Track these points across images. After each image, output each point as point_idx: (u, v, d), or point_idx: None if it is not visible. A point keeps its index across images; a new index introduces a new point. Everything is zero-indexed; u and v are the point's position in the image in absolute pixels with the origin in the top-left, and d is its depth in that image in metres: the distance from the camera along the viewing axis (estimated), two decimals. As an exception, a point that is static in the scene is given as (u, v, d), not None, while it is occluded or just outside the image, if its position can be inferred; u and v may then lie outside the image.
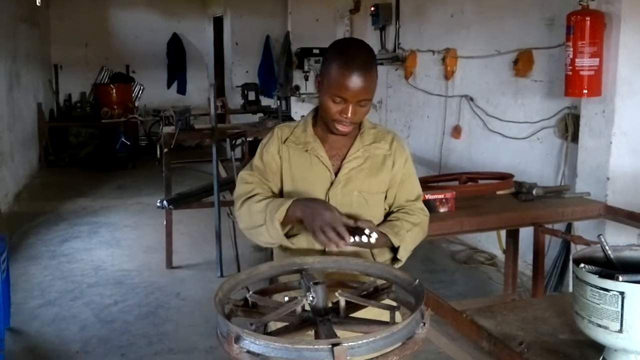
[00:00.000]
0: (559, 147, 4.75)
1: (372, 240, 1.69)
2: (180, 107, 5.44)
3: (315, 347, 1.30)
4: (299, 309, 1.51)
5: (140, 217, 6.85)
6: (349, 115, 1.78)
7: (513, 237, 3.56)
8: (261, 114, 6.63)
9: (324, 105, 1.81)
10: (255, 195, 1.88)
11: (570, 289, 3.42)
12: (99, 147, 10.06)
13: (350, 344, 1.29)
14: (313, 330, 1.51)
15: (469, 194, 3.14)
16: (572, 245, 4.05)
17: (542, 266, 2.89)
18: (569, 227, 4.13)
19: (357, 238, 1.69)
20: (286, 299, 1.53)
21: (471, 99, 5.76)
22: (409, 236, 1.85)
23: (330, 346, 1.28)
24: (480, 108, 5.64)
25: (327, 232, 1.67)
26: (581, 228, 3.67)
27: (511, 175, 3.31)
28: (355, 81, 1.74)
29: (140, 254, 5.70)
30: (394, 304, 1.57)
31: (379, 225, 1.84)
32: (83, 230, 6.40)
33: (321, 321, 1.50)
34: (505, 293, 3.77)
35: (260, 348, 1.33)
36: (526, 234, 3.42)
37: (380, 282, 1.69)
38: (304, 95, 8.00)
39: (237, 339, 1.36)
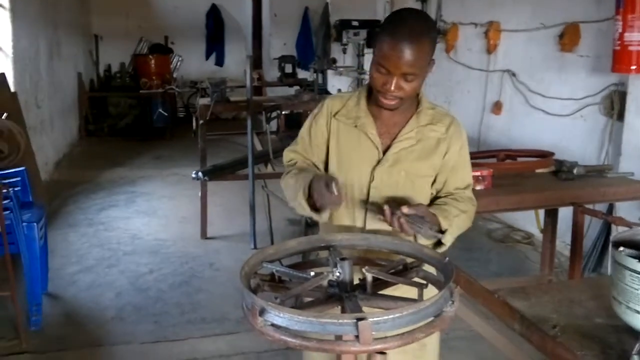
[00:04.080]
0: (603, 125, 4.58)
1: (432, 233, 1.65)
2: (216, 79, 5.41)
3: (340, 321, 1.27)
4: (325, 283, 1.49)
5: (176, 188, 6.92)
6: (392, 87, 1.69)
7: (551, 216, 3.46)
8: (297, 87, 6.57)
9: (371, 75, 1.75)
10: (290, 170, 1.88)
11: (609, 271, 3.33)
12: (137, 118, 10.16)
13: (375, 319, 1.26)
14: (339, 306, 1.49)
15: (507, 172, 3.05)
16: (613, 226, 3.93)
17: (580, 247, 2.80)
18: (611, 208, 4.01)
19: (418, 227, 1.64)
20: (312, 273, 1.50)
21: (513, 74, 5.60)
22: (456, 222, 1.78)
23: (355, 320, 1.26)
24: (523, 83, 5.48)
25: (319, 190, 1.67)
26: (623, 209, 3.55)
27: (551, 153, 3.20)
28: (399, 51, 1.64)
29: (175, 224, 5.76)
30: (423, 282, 1.53)
31: None
32: (120, 199, 6.49)
33: (347, 297, 1.47)
34: (542, 273, 3.68)
35: (284, 321, 1.31)
36: (565, 214, 3.32)
37: (409, 260, 1.65)
38: (341, 69, 7.91)
39: (262, 312, 1.34)
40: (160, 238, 5.37)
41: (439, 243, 1.77)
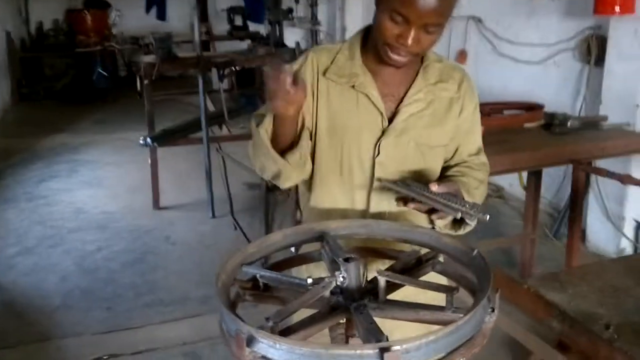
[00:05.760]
0: (579, 72, 4.35)
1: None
2: (161, 33, 4.91)
3: (359, 352, 0.95)
4: (327, 293, 1.15)
5: (123, 154, 6.43)
6: (409, 41, 1.32)
7: (535, 173, 3.20)
8: (249, 41, 6.11)
9: (380, 25, 1.35)
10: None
11: (589, 226, 3.12)
12: (75, 79, 9.48)
13: (404, 346, 0.95)
14: (345, 319, 1.17)
15: (493, 128, 2.75)
16: (595, 179, 3.73)
17: (580, 210, 2.55)
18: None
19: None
20: (309, 280, 1.16)
21: (479, 20, 5.30)
22: (478, 195, 1.48)
23: (379, 351, 0.93)
24: (490, 30, 5.19)
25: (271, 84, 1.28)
26: (612, 163, 3.32)
27: (541, 106, 2.92)
28: None
29: (124, 194, 5.33)
30: (447, 281, 1.22)
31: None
32: (62, 169, 5.99)
33: (356, 307, 1.15)
34: (525, 232, 3.47)
35: (281, 354, 0.98)
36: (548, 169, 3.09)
37: (423, 250, 1.33)
38: (295, 20, 7.42)
39: (250, 341, 1.00)
40: (107, 211, 4.94)
41: (457, 223, 1.45)
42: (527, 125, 2.79)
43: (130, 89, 8.94)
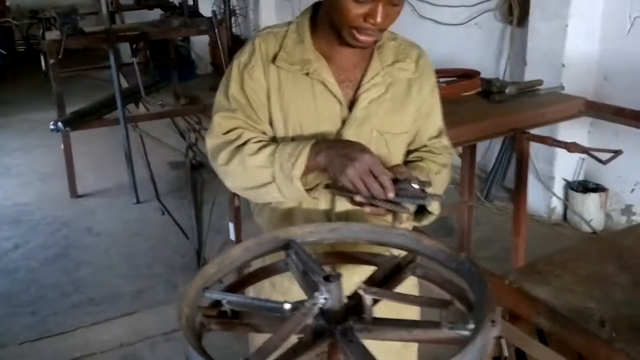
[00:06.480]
0: (501, 33, 4.36)
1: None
2: (64, 7, 4.51)
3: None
4: (309, 320, 1.03)
5: (30, 138, 5.97)
6: (379, 19, 1.20)
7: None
8: (160, 10, 5.75)
9: (342, 7, 1.21)
10: (246, 143, 1.30)
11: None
12: (-32, 57, 8.71)
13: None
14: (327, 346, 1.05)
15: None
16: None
17: (525, 179, 2.52)
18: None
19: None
20: (287, 306, 1.03)
21: (398, -18, 5.19)
22: (439, 181, 1.38)
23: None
24: (410, -8, 5.10)
25: (368, 182, 1.18)
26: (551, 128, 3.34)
27: (477, 72, 2.87)
28: None
29: (36, 182, 4.95)
30: (446, 298, 1.11)
31: None
32: (-39, 158, 5.50)
33: (342, 332, 1.03)
34: (462, 199, 3.46)
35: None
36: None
37: (396, 252, 1.22)
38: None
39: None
40: (20, 202, 4.58)
41: (419, 213, 1.36)
42: (465, 94, 2.73)
43: (31, 65, 8.39)
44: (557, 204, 3.89)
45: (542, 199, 3.90)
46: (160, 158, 5.12)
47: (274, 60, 1.33)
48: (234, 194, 2.70)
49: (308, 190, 1.28)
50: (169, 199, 4.41)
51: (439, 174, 1.42)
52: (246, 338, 1.58)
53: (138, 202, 4.43)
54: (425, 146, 1.48)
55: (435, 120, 1.50)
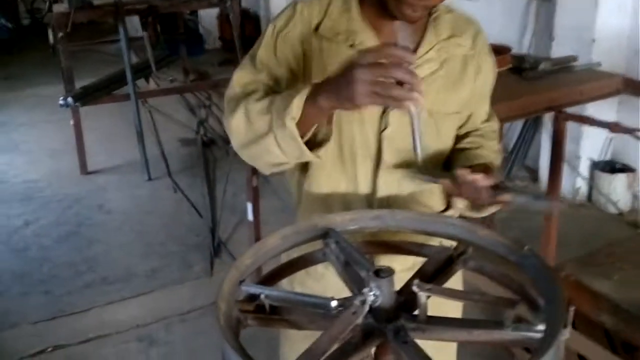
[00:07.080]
0: (525, 6, 4.21)
1: None
2: (72, -22, 4.38)
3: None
4: (359, 320, 0.93)
5: (37, 113, 5.87)
6: None
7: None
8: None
9: None
10: (253, 92, 1.17)
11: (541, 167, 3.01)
12: (-27, 31, 8.60)
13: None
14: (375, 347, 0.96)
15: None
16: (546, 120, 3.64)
17: (560, 162, 2.40)
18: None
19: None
20: (334, 303, 0.93)
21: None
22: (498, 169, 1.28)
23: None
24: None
25: (384, 86, 0.98)
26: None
27: (508, 49, 2.73)
28: None
29: (45, 158, 4.86)
30: (514, 297, 1.00)
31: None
32: (-33, 135, 5.42)
33: (392, 331, 0.93)
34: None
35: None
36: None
37: (447, 243, 1.12)
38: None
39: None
40: (30, 179, 4.49)
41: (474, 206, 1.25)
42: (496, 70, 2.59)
43: (37, 39, 8.25)
44: (582, 184, 3.77)
45: (567, 179, 3.77)
46: (170, 135, 5.01)
47: (317, 29, 1.21)
48: (253, 173, 2.60)
49: (312, 148, 1.11)
50: (181, 177, 4.31)
51: (496, 161, 1.31)
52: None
53: (150, 179, 4.34)
54: (478, 130, 1.37)
55: (487, 103, 1.40)
